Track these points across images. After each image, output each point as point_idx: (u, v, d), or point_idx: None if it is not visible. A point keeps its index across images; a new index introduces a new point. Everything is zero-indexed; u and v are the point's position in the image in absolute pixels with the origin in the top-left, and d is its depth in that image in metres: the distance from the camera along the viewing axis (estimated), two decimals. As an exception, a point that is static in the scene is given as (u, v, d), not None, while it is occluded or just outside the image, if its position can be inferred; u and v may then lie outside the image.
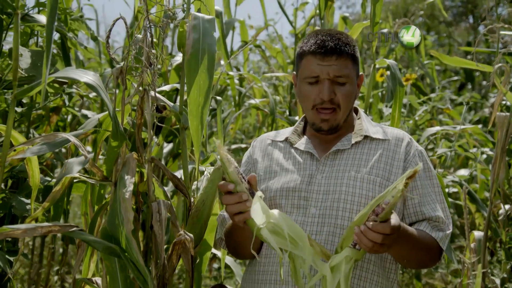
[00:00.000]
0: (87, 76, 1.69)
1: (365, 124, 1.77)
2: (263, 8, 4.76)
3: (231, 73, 3.67)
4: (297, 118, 3.50)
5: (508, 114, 2.53)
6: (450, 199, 3.62)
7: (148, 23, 1.71)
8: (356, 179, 1.66)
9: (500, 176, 2.51)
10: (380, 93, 4.51)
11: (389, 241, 1.43)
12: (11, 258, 2.03)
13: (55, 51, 2.76)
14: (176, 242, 1.73)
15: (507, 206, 2.98)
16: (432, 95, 4.50)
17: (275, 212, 1.49)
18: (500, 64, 2.43)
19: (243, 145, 4.85)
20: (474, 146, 4.11)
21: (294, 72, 1.81)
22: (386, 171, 1.68)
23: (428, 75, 5.38)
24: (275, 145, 1.83)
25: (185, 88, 1.82)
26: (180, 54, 2.17)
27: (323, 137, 1.77)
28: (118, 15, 1.70)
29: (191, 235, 1.73)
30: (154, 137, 1.78)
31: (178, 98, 2.00)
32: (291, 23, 4.45)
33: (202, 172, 2.05)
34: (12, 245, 2.16)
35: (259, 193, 1.49)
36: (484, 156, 3.86)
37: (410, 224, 1.68)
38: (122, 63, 1.74)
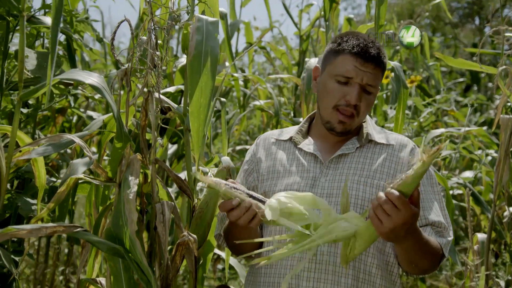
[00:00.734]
0: (92, 78, 1.70)
1: (370, 129, 1.77)
2: (268, 10, 4.77)
3: (235, 74, 3.68)
4: (301, 119, 3.51)
5: None
6: (454, 201, 3.61)
7: (152, 25, 1.72)
8: (360, 183, 1.67)
9: (503, 178, 2.50)
10: (384, 95, 4.51)
11: (402, 226, 1.35)
12: (17, 258, 2.05)
13: (61, 52, 2.78)
14: (180, 243, 1.74)
15: (511, 208, 2.97)
16: (437, 97, 4.50)
17: (282, 197, 1.45)
18: (504, 67, 2.42)
19: (248, 146, 4.85)
20: (479, 148, 4.10)
21: (318, 65, 1.78)
22: (389, 176, 1.68)
23: (433, 77, 5.37)
24: (279, 145, 1.83)
25: (189, 89, 1.83)
26: (185, 56, 2.18)
27: (329, 139, 1.77)
28: (123, 17, 1.71)
29: (195, 236, 1.74)
30: (158, 138, 1.79)
31: (183, 99, 2.01)
32: (296, 24, 4.46)
33: (206, 174, 2.06)
34: (18, 245, 2.17)
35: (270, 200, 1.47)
36: (489, 158, 3.85)
37: None
38: (127, 65, 1.75)
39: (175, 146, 3.18)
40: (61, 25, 1.64)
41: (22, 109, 2.35)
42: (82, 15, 2.71)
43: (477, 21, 13.53)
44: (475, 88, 7.79)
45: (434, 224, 1.66)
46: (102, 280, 1.86)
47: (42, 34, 2.56)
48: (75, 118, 3.45)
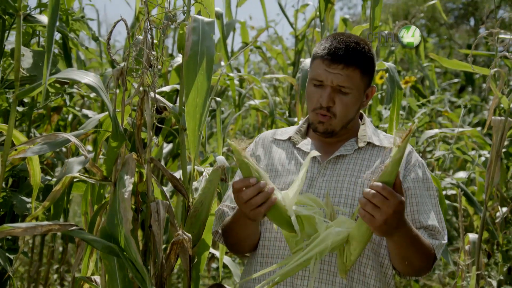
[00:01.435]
0: (87, 77, 1.70)
1: (369, 131, 1.78)
2: (264, 10, 4.79)
3: (231, 74, 3.68)
4: (296, 119, 3.52)
5: (503, 118, 2.55)
6: (448, 202, 3.63)
7: (148, 25, 1.73)
8: (357, 183, 1.68)
9: (495, 179, 2.53)
10: (379, 95, 4.53)
11: (393, 215, 1.38)
12: (11, 256, 2.05)
13: (56, 51, 2.78)
14: (175, 241, 1.75)
15: (504, 209, 3.00)
16: (432, 98, 4.52)
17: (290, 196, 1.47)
18: (496, 69, 2.44)
19: (243, 146, 4.85)
20: (473, 149, 4.13)
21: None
22: None
23: (427, 77, 5.40)
24: (278, 144, 1.84)
25: (185, 89, 1.83)
26: (181, 55, 2.19)
27: (325, 140, 1.78)
28: (119, 15, 1.71)
29: (189, 235, 1.75)
30: (154, 137, 1.80)
31: (178, 99, 2.02)
32: (291, 24, 4.48)
33: (201, 173, 2.07)
34: (12, 243, 2.17)
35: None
36: (483, 158, 3.87)
37: None
38: (122, 64, 1.76)
39: (170, 145, 3.19)
40: (57, 23, 1.64)
41: (17, 108, 2.34)
42: (78, 14, 2.71)
43: (472, 22, 13.58)
44: (470, 89, 7.83)
45: (428, 228, 1.66)
46: (97, 278, 1.87)
47: (38, 33, 2.56)
48: (70, 117, 3.45)
